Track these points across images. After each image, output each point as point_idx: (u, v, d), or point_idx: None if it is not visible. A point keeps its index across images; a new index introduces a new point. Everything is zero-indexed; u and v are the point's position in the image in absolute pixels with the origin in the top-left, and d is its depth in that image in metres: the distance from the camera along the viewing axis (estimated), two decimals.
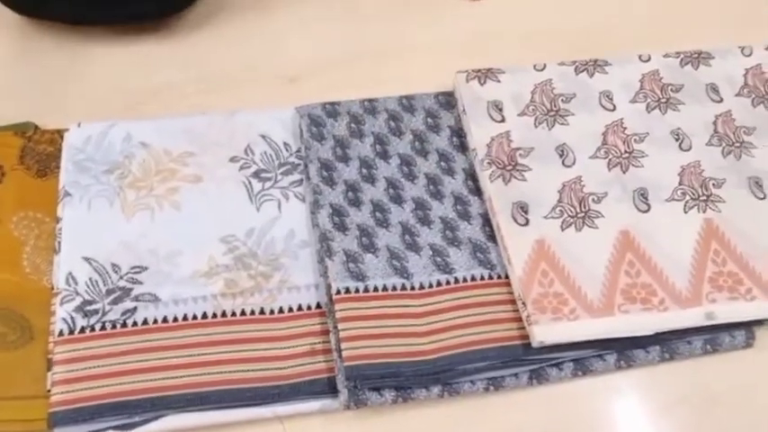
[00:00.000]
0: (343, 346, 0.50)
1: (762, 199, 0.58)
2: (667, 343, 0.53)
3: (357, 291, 0.53)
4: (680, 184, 0.58)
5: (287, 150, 0.60)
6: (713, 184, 0.58)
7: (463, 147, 0.61)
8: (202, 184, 0.58)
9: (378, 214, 0.56)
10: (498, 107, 0.61)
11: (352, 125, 0.60)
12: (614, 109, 0.62)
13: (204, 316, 0.53)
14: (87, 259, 0.54)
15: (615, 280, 0.54)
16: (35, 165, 0.59)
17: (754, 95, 0.63)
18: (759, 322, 0.54)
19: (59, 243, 0.54)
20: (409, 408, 0.51)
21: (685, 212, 0.57)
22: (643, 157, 0.59)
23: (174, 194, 0.57)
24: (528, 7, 0.72)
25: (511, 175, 0.58)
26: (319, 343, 0.52)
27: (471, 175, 0.59)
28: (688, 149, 0.60)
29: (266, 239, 0.56)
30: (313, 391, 0.51)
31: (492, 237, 0.56)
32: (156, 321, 0.52)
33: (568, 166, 0.59)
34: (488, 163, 0.58)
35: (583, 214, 0.56)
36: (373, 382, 0.50)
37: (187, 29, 0.68)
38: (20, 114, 0.61)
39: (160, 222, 0.56)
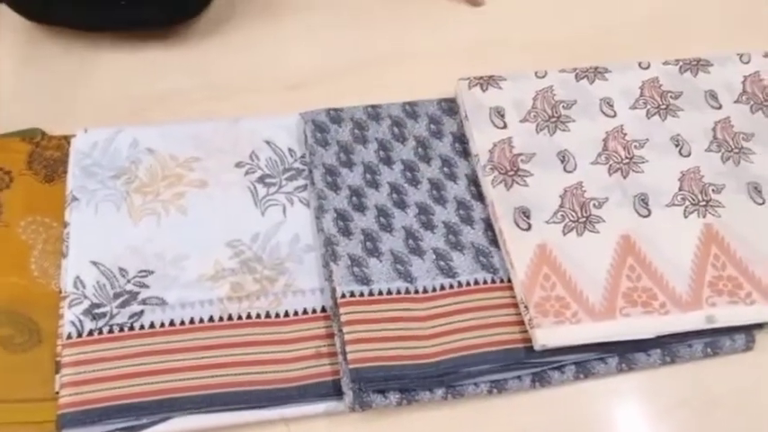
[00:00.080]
0: (348, 348, 0.51)
1: (761, 204, 0.59)
2: (668, 346, 0.54)
3: (362, 294, 0.53)
4: (680, 189, 0.59)
5: (291, 156, 0.61)
6: (713, 190, 0.59)
7: (466, 152, 0.61)
8: (208, 189, 0.58)
9: (382, 219, 0.57)
10: (500, 113, 0.62)
11: (356, 131, 0.61)
12: (615, 115, 0.63)
13: (210, 319, 0.53)
14: (95, 263, 0.54)
15: (616, 284, 0.54)
16: (43, 170, 0.59)
17: (752, 102, 0.64)
18: (759, 326, 0.55)
19: (67, 247, 0.55)
20: (413, 410, 0.52)
21: (685, 217, 0.58)
22: (643, 162, 0.60)
23: (181, 199, 0.58)
24: (529, 16, 0.73)
25: (513, 180, 0.59)
26: (324, 346, 0.53)
27: (474, 181, 0.60)
28: (688, 155, 0.61)
29: (271, 244, 0.57)
30: (318, 394, 0.51)
31: (494, 241, 0.57)
32: (162, 324, 0.53)
33: (570, 172, 0.60)
34: (491, 168, 0.59)
35: (584, 219, 0.57)
36: (378, 384, 0.50)
37: (194, 36, 0.69)
38: (27, 119, 0.62)
39: (166, 227, 0.56)
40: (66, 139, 0.60)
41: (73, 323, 0.52)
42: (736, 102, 0.64)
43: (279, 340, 0.53)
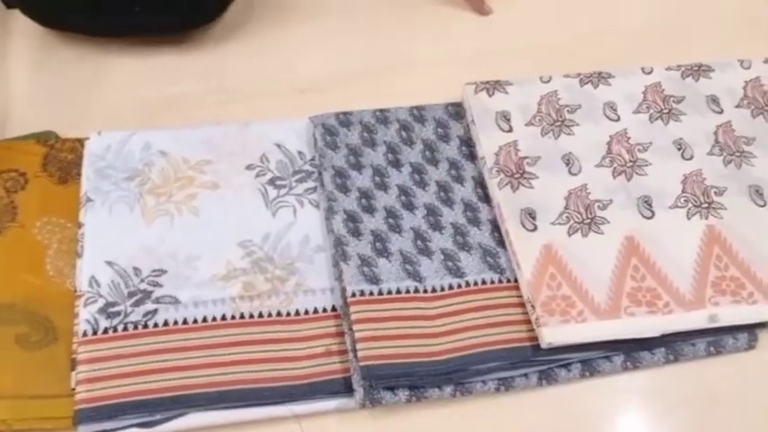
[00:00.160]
0: (358, 346, 0.52)
1: (762, 206, 0.60)
2: (672, 345, 0.55)
3: (371, 294, 0.54)
4: (683, 191, 0.60)
5: (301, 159, 0.62)
6: (715, 192, 0.60)
7: (472, 155, 0.62)
8: (219, 191, 0.59)
9: (390, 220, 0.58)
10: (506, 117, 0.63)
11: (365, 134, 0.62)
12: (618, 119, 0.64)
13: (223, 318, 0.54)
14: (109, 263, 0.55)
15: (621, 284, 0.55)
16: (57, 172, 0.60)
17: (753, 107, 0.65)
18: (761, 325, 0.56)
19: (82, 247, 0.56)
20: (422, 407, 0.53)
21: (688, 219, 0.59)
22: (647, 165, 0.61)
23: (193, 201, 0.59)
24: (533, 23, 0.74)
25: (519, 182, 0.60)
26: (335, 344, 0.54)
27: (480, 183, 0.61)
28: (690, 158, 0.62)
29: (282, 244, 0.58)
30: (329, 391, 0.52)
31: (501, 242, 0.58)
32: (176, 323, 0.54)
33: (574, 174, 0.61)
34: (497, 171, 0.60)
35: (589, 220, 0.58)
36: (388, 381, 0.51)
37: (205, 41, 0.70)
38: (41, 123, 0.63)
39: (179, 227, 0.57)
40: (80, 141, 0.62)
41: (88, 321, 0.53)
42: (737, 106, 0.65)
43: (290, 338, 0.54)
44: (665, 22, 0.75)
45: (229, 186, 0.60)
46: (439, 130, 0.64)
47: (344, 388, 0.52)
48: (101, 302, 0.54)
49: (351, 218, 0.58)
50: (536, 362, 0.53)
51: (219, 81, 0.67)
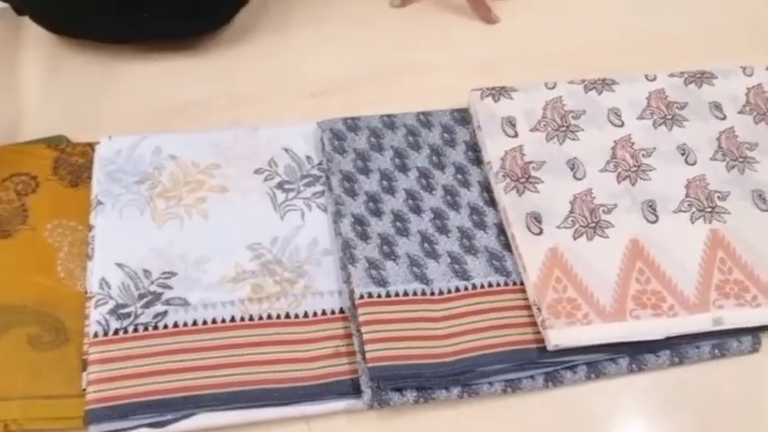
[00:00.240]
0: (366, 348, 0.52)
1: (765, 211, 0.61)
2: (677, 347, 0.55)
3: (379, 296, 0.55)
4: (686, 196, 0.61)
5: (309, 163, 0.63)
6: (718, 197, 0.61)
7: (478, 160, 0.63)
8: (228, 195, 0.60)
9: (398, 223, 0.59)
10: (511, 123, 0.64)
11: (372, 139, 0.63)
12: (622, 125, 0.65)
13: (232, 319, 0.55)
14: (120, 265, 0.56)
15: (626, 286, 0.56)
16: (68, 175, 0.61)
17: (755, 113, 0.66)
18: (765, 328, 0.56)
19: (92, 249, 0.57)
20: (430, 408, 0.53)
21: (692, 223, 0.59)
22: (651, 170, 0.62)
23: (202, 204, 0.59)
24: (537, 32, 0.75)
25: (524, 187, 0.61)
26: (343, 346, 0.54)
27: (486, 187, 0.62)
28: (693, 164, 0.63)
29: (290, 247, 0.58)
30: (338, 392, 0.53)
31: (507, 246, 0.59)
32: (186, 324, 0.54)
33: (579, 179, 0.61)
34: (503, 176, 0.61)
35: (594, 224, 0.59)
36: (396, 382, 0.52)
37: (214, 47, 0.71)
38: (52, 128, 0.64)
39: (189, 230, 0.58)
40: (91, 146, 0.62)
41: (99, 322, 0.53)
42: (739, 113, 0.66)
43: (298, 340, 0.54)
44: (669, 30, 0.76)
45: (238, 190, 0.60)
46: (445, 135, 0.64)
47: (353, 389, 0.53)
48: (111, 304, 0.54)
49: (358, 221, 0.58)
50: (542, 364, 0.54)
51: (229, 86, 0.68)
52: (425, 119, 0.65)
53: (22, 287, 0.56)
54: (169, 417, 0.51)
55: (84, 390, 0.51)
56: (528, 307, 0.56)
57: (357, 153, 0.62)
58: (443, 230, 0.59)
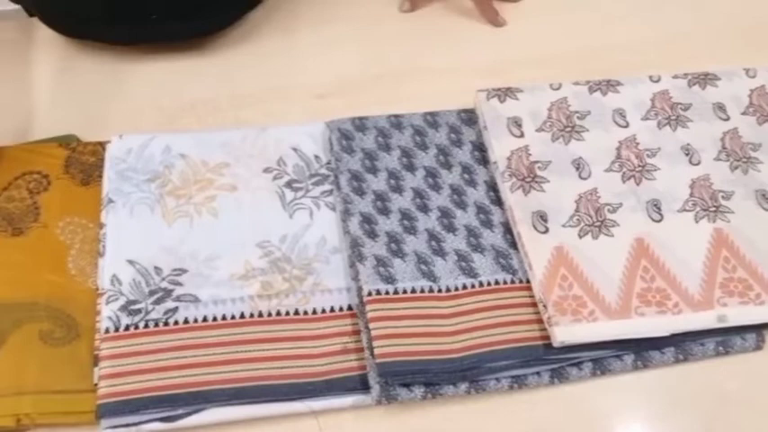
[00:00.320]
0: (374, 344, 0.53)
1: None
2: (681, 344, 0.56)
3: (387, 293, 0.56)
4: (691, 195, 0.61)
5: (317, 162, 0.63)
6: (722, 196, 0.61)
7: (485, 160, 0.64)
8: (238, 193, 0.61)
9: (405, 222, 0.59)
10: (517, 123, 0.65)
11: (380, 139, 0.64)
12: (627, 126, 0.65)
13: (242, 316, 0.55)
14: (131, 262, 0.57)
15: (631, 284, 0.57)
16: (79, 174, 0.62)
17: (759, 114, 0.67)
18: None
19: (103, 247, 0.57)
20: (437, 403, 0.54)
21: (696, 222, 0.60)
22: (655, 170, 0.63)
23: (212, 202, 0.60)
24: (545, 35, 0.75)
25: (530, 186, 0.61)
26: (351, 342, 0.55)
27: (492, 187, 0.62)
28: (698, 164, 0.63)
29: (299, 245, 0.59)
30: (346, 388, 0.53)
31: (513, 244, 0.59)
32: (196, 321, 0.55)
33: (585, 179, 0.62)
34: (509, 175, 0.61)
35: (599, 223, 0.60)
36: (403, 378, 0.52)
37: (222, 47, 0.72)
38: (63, 128, 0.65)
39: (199, 228, 0.59)
40: (101, 144, 0.63)
41: (110, 318, 0.54)
42: (743, 114, 0.67)
43: (307, 336, 0.55)
44: (673, 32, 0.76)
45: (247, 189, 0.61)
46: (452, 135, 0.65)
47: (361, 385, 0.53)
48: (122, 300, 0.55)
49: (366, 220, 0.59)
50: (548, 360, 0.55)
51: (236, 86, 0.69)
52: (432, 119, 0.66)
53: (34, 284, 0.56)
54: (180, 411, 0.51)
55: (96, 385, 0.52)
56: (534, 304, 0.56)
57: (365, 152, 0.63)
58: (450, 229, 0.60)
